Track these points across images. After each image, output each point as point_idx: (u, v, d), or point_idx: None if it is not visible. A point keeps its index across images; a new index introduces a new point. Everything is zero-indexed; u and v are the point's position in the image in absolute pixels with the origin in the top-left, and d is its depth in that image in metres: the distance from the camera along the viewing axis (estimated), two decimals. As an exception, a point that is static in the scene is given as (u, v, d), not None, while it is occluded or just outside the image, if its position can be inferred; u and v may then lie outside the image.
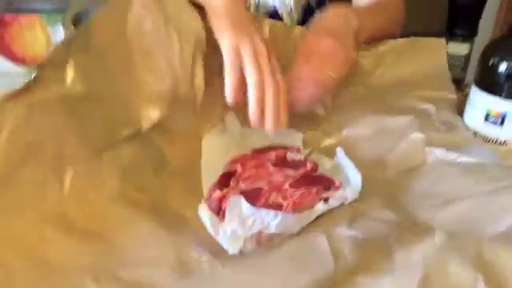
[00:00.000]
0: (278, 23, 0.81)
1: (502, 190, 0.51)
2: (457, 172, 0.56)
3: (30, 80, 0.52)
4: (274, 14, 0.98)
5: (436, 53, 0.81)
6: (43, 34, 0.94)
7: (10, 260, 0.45)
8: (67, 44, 0.55)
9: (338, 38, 0.67)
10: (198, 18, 0.63)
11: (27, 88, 0.51)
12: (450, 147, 0.60)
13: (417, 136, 0.63)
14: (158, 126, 0.60)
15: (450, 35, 0.90)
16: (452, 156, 0.59)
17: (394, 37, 0.84)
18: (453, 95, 0.73)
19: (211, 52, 0.62)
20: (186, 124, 0.64)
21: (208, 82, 0.63)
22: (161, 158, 0.60)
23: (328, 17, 0.72)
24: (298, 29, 0.82)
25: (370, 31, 0.78)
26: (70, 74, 0.54)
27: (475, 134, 0.66)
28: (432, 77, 0.78)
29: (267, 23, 0.78)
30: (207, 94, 0.64)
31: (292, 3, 0.98)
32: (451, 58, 0.89)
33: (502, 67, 0.62)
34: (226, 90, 0.57)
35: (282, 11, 0.99)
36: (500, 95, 0.62)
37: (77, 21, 0.81)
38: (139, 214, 0.52)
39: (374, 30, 0.80)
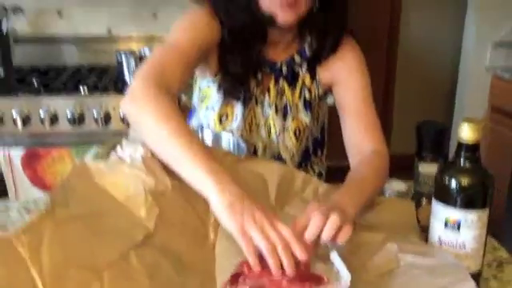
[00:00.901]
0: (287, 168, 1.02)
1: (457, 285, 0.68)
2: (423, 272, 0.75)
3: (48, 205, 0.70)
4: (279, 156, 1.19)
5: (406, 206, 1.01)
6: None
7: None
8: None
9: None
10: None
11: (49, 212, 0.70)
12: (417, 253, 0.78)
13: (391, 246, 0.81)
14: (166, 228, 0.75)
15: (420, 158, 1.08)
16: (420, 260, 0.77)
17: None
18: (419, 225, 0.91)
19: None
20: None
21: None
22: (178, 258, 0.74)
23: (339, 199, 0.85)
24: (302, 176, 1.01)
25: (366, 203, 0.94)
26: (72, 206, 0.72)
27: (439, 239, 0.81)
28: (405, 216, 0.96)
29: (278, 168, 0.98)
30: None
31: (294, 150, 1.19)
32: (422, 176, 1.06)
33: (454, 184, 0.78)
34: (249, 259, 0.69)
35: (285, 156, 1.19)
36: (454, 206, 0.78)
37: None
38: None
39: (368, 202, 0.95)
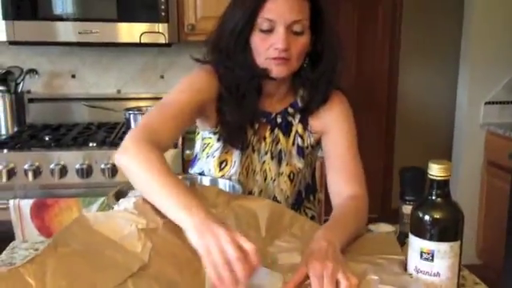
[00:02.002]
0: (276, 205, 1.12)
1: None
2: None
3: (51, 244, 0.79)
4: (273, 199, 1.27)
5: (387, 236, 1.09)
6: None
7: None
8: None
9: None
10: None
11: (51, 249, 0.78)
12: (396, 285, 0.85)
13: (372, 277, 0.88)
14: (160, 260, 0.82)
15: (403, 200, 1.16)
16: None
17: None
18: (401, 257, 0.96)
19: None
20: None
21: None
22: (172, 286, 0.81)
23: (316, 241, 0.94)
24: (290, 213, 1.11)
25: (348, 239, 1.03)
26: (72, 245, 0.81)
27: (416, 269, 0.87)
28: (386, 246, 1.03)
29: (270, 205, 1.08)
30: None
31: (288, 193, 1.27)
32: (406, 217, 1.13)
33: (426, 219, 0.86)
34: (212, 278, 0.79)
35: (280, 198, 1.27)
36: (428, 238, 0.85)
37: (119, 195, 1.07)
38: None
39: (352, 236, 1.05)
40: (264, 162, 1.26)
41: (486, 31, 2.98)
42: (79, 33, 2.19)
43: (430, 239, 0.85)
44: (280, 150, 1.26)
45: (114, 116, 2.50)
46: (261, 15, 1.10)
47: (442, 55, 3.76)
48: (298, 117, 1.26)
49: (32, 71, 2.48)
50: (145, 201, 0.93)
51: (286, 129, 1.26)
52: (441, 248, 0.85)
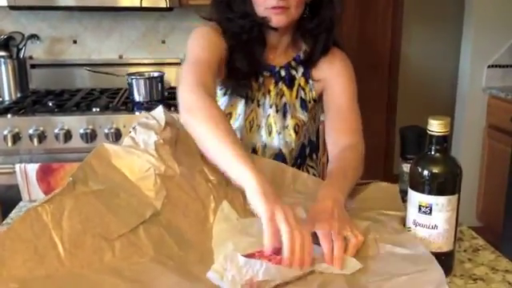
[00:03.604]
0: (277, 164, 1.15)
1: (427, 271, 0.80)
2: (399, 259, 0.86)
3: (70, 182, 0.81)
4: (279, 153, 1.29)
5: (391, 190, 1.12)
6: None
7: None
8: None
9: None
10: None
11: (70, 187, 0.80)
12: (395, 243, 0.89)
13: (373, 235, 0.91)
14: (172, 209, 0.84)
15: (404, 159, 1.18)
16: (397, 250, 0.88)
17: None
18: (402, 213, 0.99)
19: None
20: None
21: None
22: (181, 235, 0.84)
23: (321, 200, 0.96)
24: (291, 171, 1.13)
25: (350, 190, 1.05)
26: (90, 183, 0.83)
27: (415, 222, 0.90)
28: (389, 201, 1.06)
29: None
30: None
31: (293, 145, 1.29)
32: (406, 175, 1.15)
33: (425, 173, 0.88)
34: (266, 241, 0.79)
35: (285, 151, 1.29)
36: (426, 193, 0.87)
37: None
38: (169, 272, 0.75)
39: (352, 186, 1.08)
40: (269, 115, 1.28)
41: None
42: (79, -3, 2.17)
43: (429, 193, 0.87)
44: (285, 104, 1.28)
45: (116, 81, 2.51)
46: None
47: (445, 18, 3.72)
48: (300, 70, 1.29)
49: (33, 37, 2.47)
50: (165, 141, 0.94)
51: (290, 82, 1.29)
52: (439, 201, 0.86)
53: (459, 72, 3.18)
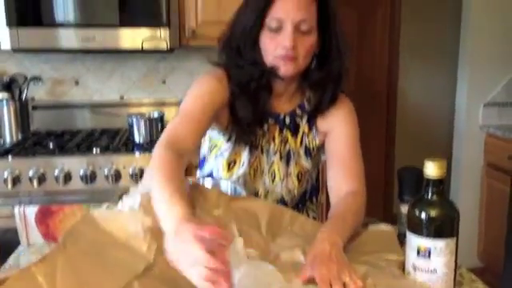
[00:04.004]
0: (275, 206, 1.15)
1: None
2: None
3: (60, 243, 0.82)
4: (280, 199, 1.30)
5: (388, 233, 1.11)
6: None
7: None
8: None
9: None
10: None
11: (61, 248, 0.81)
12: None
13: (372, 281, 0.90)
14: (165, 259, 0.85)
15: (401, 200, 1.18)
16: None
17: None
18: (401, 257, 0.98)
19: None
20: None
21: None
22: (176, 284, 0.84)
23: (319, 243, 0.96)
24: (290, 213, 1.13)
25: (349, 236, 1.05)
26: (81, 244, 0.84)
27: (414, 266, 0.89)
28: (387, 245, 1.06)
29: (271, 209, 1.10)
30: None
31: (295, 192, 1.30)
32: (404, 216, 1.15)
33: (423, 216, 0.88)
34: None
35: (287, 198, 1.30)
36: (425, 236, 0.87)
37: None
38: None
39: (352, 232, 1.07)
40: (273, 162, 1.29)
41: (485, 32, 3.00)
42: (82, 40, 2.22)
43: (427, 236, 0.88)
44: (289, 151, 1.29)
45: (117, 122, 2.54)
46: (269, 14, 1.14)
47: (441, 57, 3.78)
48: (305, 118, 1.30)
49: (36, 78, 2.51)
50: (150, 198, 0.96)
51: (294, 129, 1.29)
52: (437, 245, 0.87)
53: (456, 110, 3.21)
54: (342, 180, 1.22)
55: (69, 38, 2.22)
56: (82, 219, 0.92)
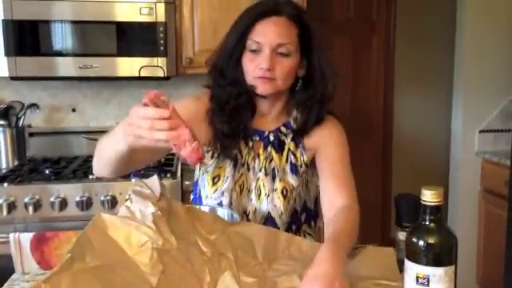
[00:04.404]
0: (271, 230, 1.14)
1: None
2: None
3: (68, 259, 0.80)
4: (269, 217, 1.29)
5: (388, 255, 1.11)
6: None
7: None
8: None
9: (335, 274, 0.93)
10: None
11: (68, 265, 0.79)
12: None
13: None
14: (168, 284, 0.84)
15: (399, 226, 1.18)
16: None
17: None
18: (399, 283, 0.98)
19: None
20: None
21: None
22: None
23: (320, 265, 0.95)
24: (285, 236, 1.13)
25: (347, 253, 1.06)
26: (88, 258, 0.83)
27: (412, 294, 0.89)
28: (385, 270, 1.05)
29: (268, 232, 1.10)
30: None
31: (282, 209, 1.30)
32: (402, 243, 1.15)
33: (421, 244, 0.88)
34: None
35: (274, 215, 1.30)
36: (423, 264, 0.87)
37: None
38: None
39: (351, 247, 1.10)
40: (258, 178, 1.31)
41: (479, 60, 3.05)
42: (79, 67, 2.24)
43: (425, 264, 0.87)
44: (273, 168, 1.31)
45: (113, 148, 2.53)
46: (250, 37, 1.22)
47: (436, 83, 3.82)
48: (290, 136, 1.33)
49: (33, 106, 2.52)
50: (162, 213, 0.95)
51: (279, 147, 1.33)
52: (436, 272, 0.86)
53: (451, 136, 3.23)
54: (334, 196, 1.25)
55: (66, 66, 2.24)
56: (91, 224, 0.90)
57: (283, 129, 1.33)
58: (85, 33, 2.24)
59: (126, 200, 0.98)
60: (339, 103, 3.60)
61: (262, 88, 1.23)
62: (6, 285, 1.17)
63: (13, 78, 2.31)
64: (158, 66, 2.28)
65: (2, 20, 2.16)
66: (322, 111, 1.30)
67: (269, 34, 1.20)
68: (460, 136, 3.11)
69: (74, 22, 2.22)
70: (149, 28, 2.27)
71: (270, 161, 1.31)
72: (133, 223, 0.92)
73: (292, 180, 1.31)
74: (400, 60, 3.79)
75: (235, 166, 1.30)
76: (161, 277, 0.86)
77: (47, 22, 2.20)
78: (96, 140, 2.50)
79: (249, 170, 1.31)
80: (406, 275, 0.91)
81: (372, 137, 3.78)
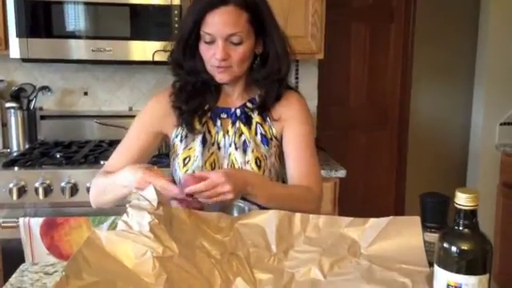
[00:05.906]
0: (282, 213, 1.07)
1: None
2: None
3: (63, 277, 0.76)
4: None
5: (413, 229, 1.03)
6: (88, 233, 1.18)
7: None
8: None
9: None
10: None
11: (63, 283, 0.75)
12: None
13: None
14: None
15: (424, 227, 1.12)
16: None
17: (311, 212, 1.09)
18: (426, 269, 0.92)
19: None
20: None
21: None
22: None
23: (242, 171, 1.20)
24: (299, 217, 1.06)
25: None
26: (84, 275, 0.78)
27: (442, 303, 0.83)
28: (409, 251, 0.99)
29: None
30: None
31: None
32: (427, 245, 1.09)
33: (453, 250, 0.82)
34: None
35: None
36: (455, 272, 0.81)
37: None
38: None
39: (282, 206, 1.10)
40: (230, 154, 1.33)
41: (502, 51, 2.96)
42: (92, 50, 2.19)
43: (458, 272, 0.81)
44: (244, 141, 1.34)
45: (125, 133, 2.48)
46: (202, 29, 1.23)
47: (456, 75, 3.72)
48: (256, 111, 1.36)
49: (44, 88, 2.48)
50: (160, 220, 0.91)
51: (247, 120, 1.36)
52: (469, 281, 0.81)
53: (471, 129, 3.15)
54: (301, 179, 1.30)
55: (79, 49, 2.19)
56: (85, 242, 0.86)
57: (249, 104, 1.37)
58: (98, 15, 2.19)
59: (124, 215, 0.94)
60: (354, 92, 3.54)
61: (219, 77, 1.27)
62: (14, 276, 1.13)
63: (24, 60, 2.27)
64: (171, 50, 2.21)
65: (14, 0, 2.11)
66: (280, 88, 1.33)
67: (218, 25, 1.21)
68: (480, 128, 3.03)
69: (88, 4, 2.17)
70: (163, 11, 2.21)
71: (240, 135, 1.34)
72: (130, 235, 0.87)
73: (264, 150, 1.33)
74: (419, 50, 3.69)
75: (204, 144, 1.32)
76: (166, 285, 0.81)
77: (60, 3, 2.15)
78: (107, 125, 2.49)
79: (219, 148, 1.34)
80: (436, 282, 0.85)
81: (388, 128, 3.70)
